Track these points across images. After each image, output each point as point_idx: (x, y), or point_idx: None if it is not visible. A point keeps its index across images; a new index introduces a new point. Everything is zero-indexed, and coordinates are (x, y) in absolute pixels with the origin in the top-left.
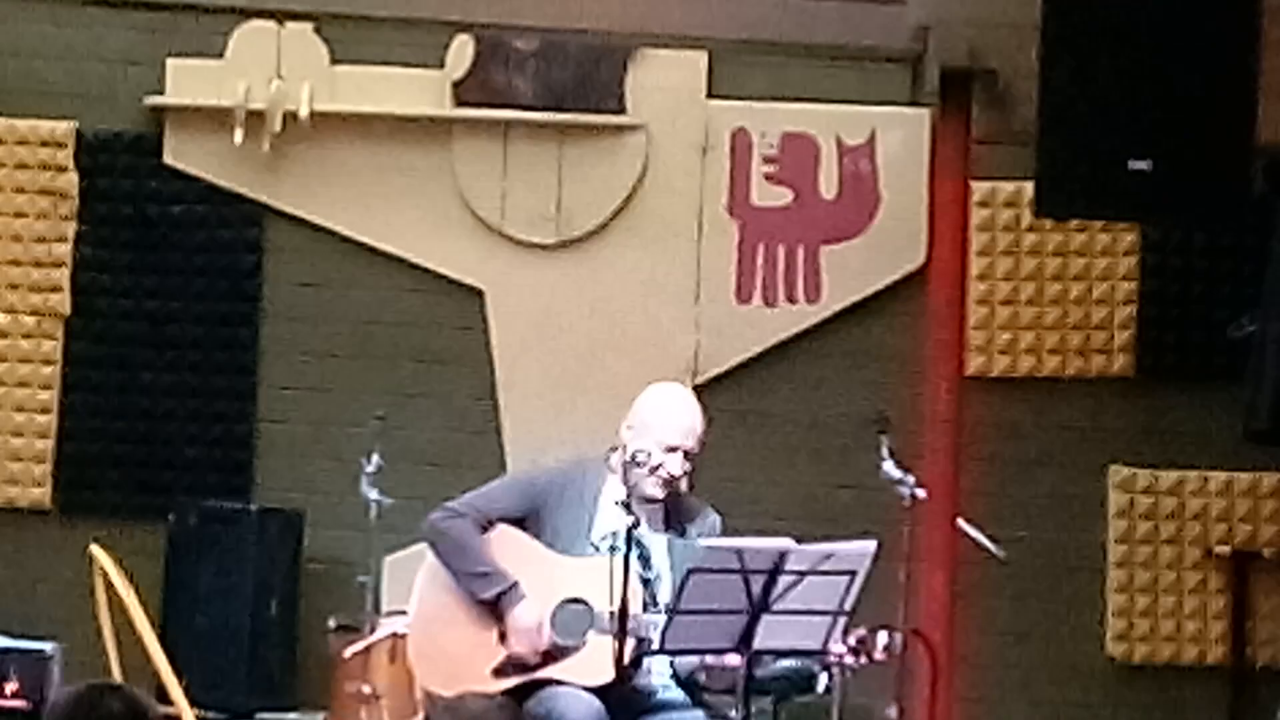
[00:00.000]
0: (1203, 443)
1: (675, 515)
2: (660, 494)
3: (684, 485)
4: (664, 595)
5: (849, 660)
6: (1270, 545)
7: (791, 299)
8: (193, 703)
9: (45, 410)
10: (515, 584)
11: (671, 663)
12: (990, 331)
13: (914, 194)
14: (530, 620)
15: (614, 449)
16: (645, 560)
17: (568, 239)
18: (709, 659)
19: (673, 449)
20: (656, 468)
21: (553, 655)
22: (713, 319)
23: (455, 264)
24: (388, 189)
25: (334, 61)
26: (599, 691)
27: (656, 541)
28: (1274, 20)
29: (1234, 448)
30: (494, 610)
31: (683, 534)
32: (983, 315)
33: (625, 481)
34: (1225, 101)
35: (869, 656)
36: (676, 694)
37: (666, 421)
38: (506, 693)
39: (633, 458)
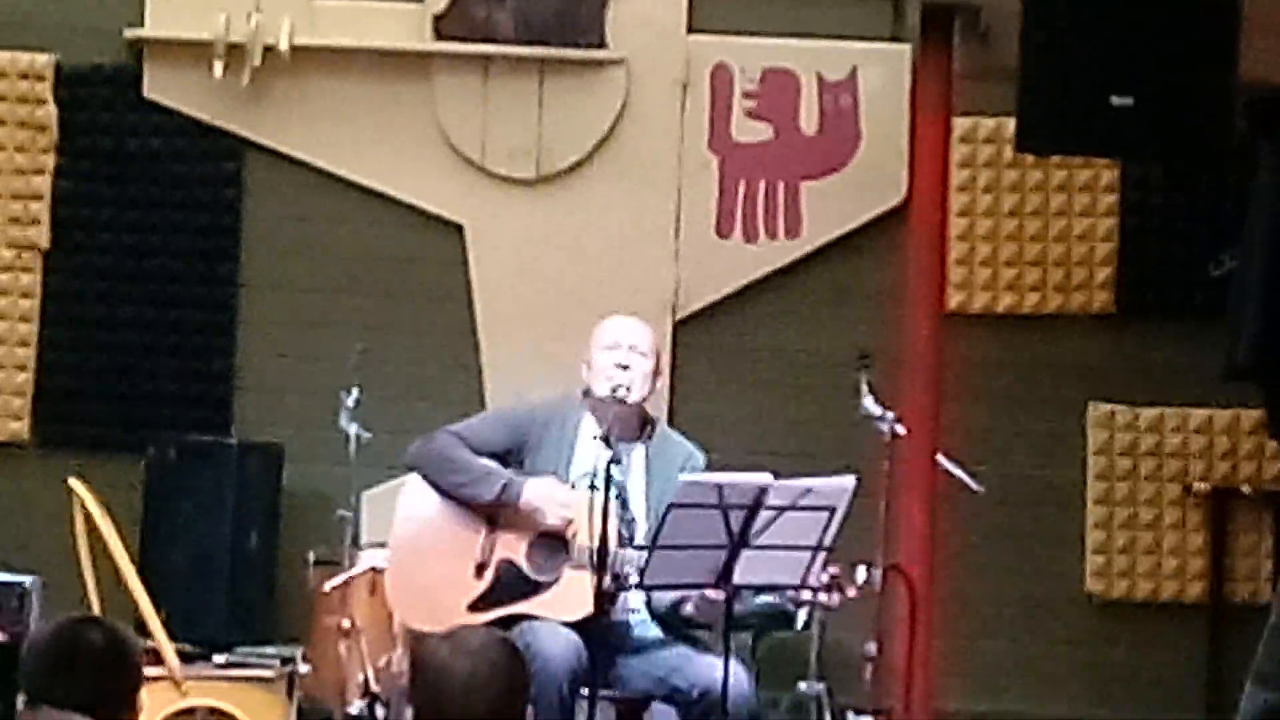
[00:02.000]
0: (1183, 380)
1: (653, 454)
2: (606, 389)
3: (642, 390)
4: (641, 533)
5: (822, 597)
6: (1249, 482)
7: (772, 234)
8: (171, 636)
9: (24, 344)
10: (512, 477)
11: (648, 599)
12: (970, 268)
13: (895, 130)
14: (545, 489)
15: (587, 388)
16: (623, 501)
17: (548, 174)
18: (697, 591)
19: (613, 346)
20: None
21: (520, 596)
22: (693, 254)
23: (435, 199)
24: (368, 123)
25: None
26: (575, 626)
27: (634, 483)
28: None
29: (1214, 385)
30: (496, 512)
31: (648, 438)
32: (963, 251)
33: (597, 413)
34: (1208, 38)
35: (841, 592)
36: (653, 629)
37: (603, 331)
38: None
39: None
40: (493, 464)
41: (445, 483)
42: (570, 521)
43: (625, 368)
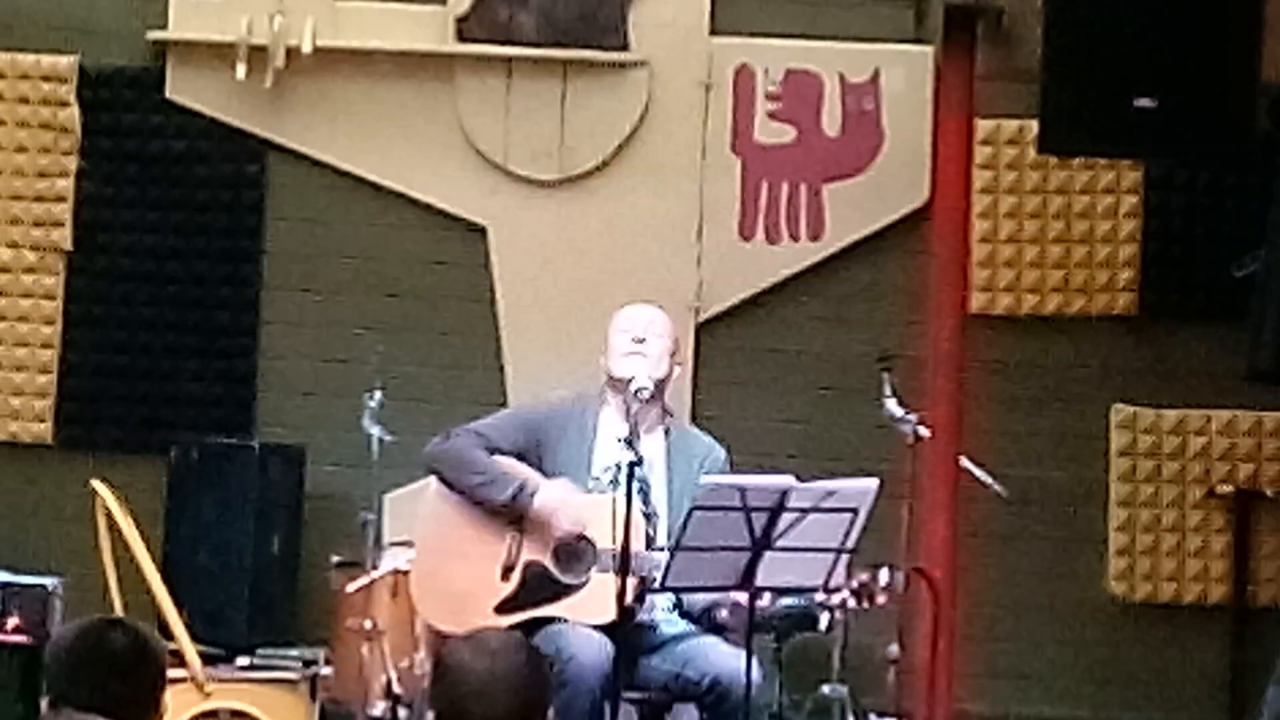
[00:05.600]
0: (1206, 381)
1: (674, 448)
2: (628, 372)
3: (660, 367)
4: (663, 527)
5: (851, 604)
6: (1273, 484)
7: (794, 236)
8: (194, 638)
9: (47, 345)
10: (527, 479)
11: (677, 600)
12: (993, 270)
13: (917, 131)
14: (558, 495)
15: (606, 384)
16: (645, 496)
17: (570, 175)
18: (730, 598)
19: (628, 329)
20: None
21: (548, 598)
22: (715, 256)
23: (458, 200)
24: (390, 125)
25: None
26: (603, 629)
27: (655, 477)
28: None
29: (1237, 386)
30: (512, 515)
31: (666, 429)
32: (986, 253)
33: (618, 405)
34: (1231, 39)
35: (871, 600)
36: (680, 626)
37: (618, 318)
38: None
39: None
40: (509, 464)
41: (460, 483)
42: (583, 529)
43: (641, 340)
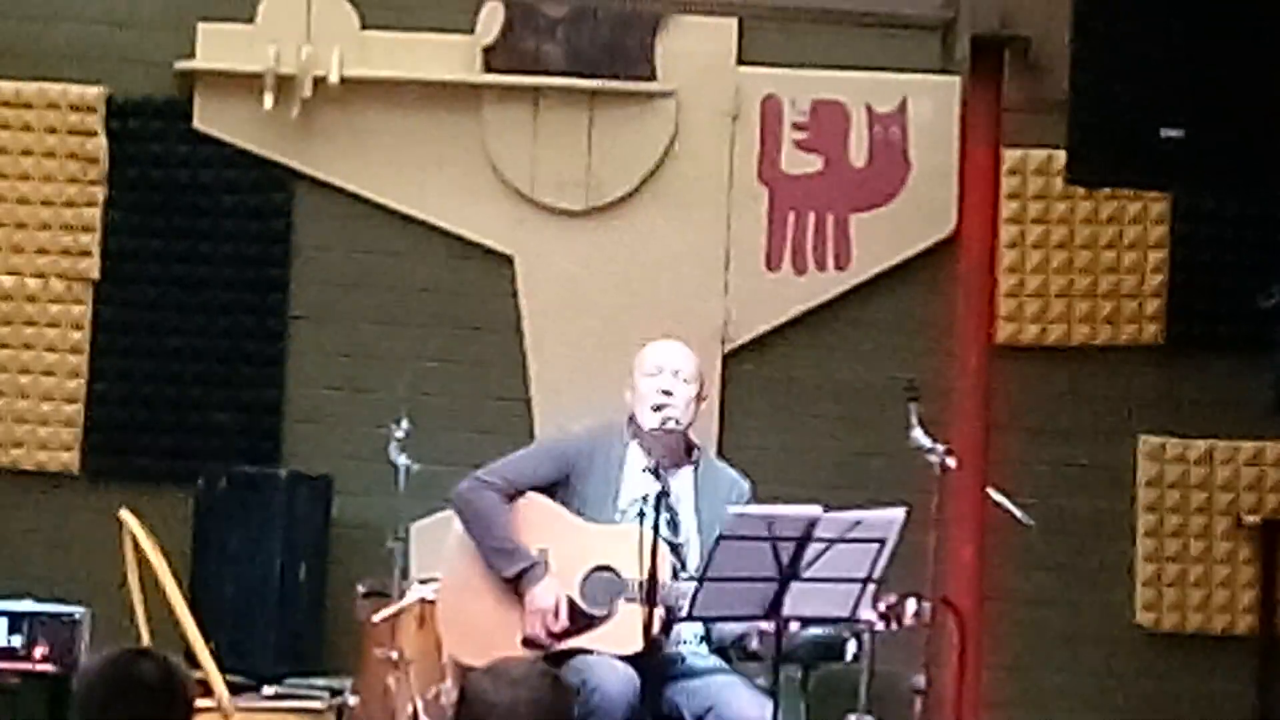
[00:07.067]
0: (1233, 412)
1: (702, 482)
2: (656, 421)
3: (686, 416)
4: (693, 559)
5: (879, 627)
6: None
7: (821, 266)
8: (221, 667)
9: (74, 375)
10: (537, 563)
11: (706, 630)
12: (1020, 300)
13: (944, 162)
14: (545, 602)
15: (631, 421)
16: (674, 525)
17: (597, 205)
18: (759, 627)
19: (656, 373)
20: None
21: (574, 630)
22: (742, 286)
23: (485, 230)
24: (417, 155)
25: (364, 26)
26: (630, 659)
27: (685, 505)
28: None
29: (1264, 417)
30: (517, 586)
31: (694, 462)
32: (1013, 283)
33: (643, 442)
34: (1259, 69)
35: (899, 622)
36: (707, 659)
37: (645, 358)
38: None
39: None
40: (522, 540)
41: (475, 539)
42: (549, 642)
43: (668, 393)
